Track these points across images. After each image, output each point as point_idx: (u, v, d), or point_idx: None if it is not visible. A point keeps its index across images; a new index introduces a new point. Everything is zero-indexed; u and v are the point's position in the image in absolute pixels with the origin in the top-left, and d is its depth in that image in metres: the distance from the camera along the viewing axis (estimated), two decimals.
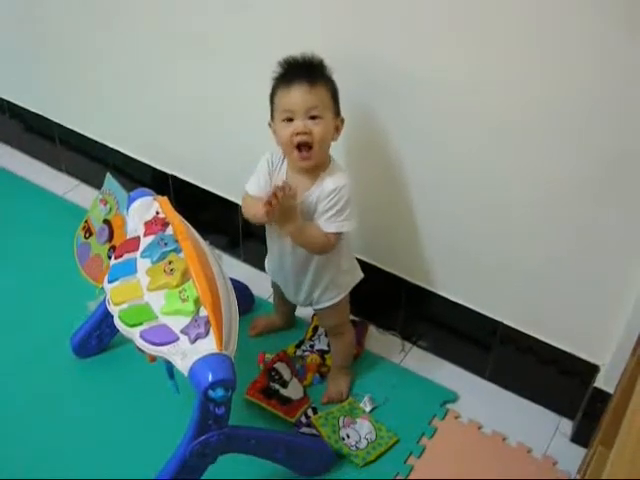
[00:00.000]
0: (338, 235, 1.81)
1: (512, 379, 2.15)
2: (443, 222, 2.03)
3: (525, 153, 1.78)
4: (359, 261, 2.13)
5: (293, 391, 2.12)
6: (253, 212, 1.84)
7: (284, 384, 2.13)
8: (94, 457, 1.97)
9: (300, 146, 1.74)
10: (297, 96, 1.70)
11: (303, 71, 1.72)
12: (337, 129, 1.80)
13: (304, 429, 2.03)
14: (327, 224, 1.79)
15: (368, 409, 2.09)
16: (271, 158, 1.87)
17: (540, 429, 2.07)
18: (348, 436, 2.01)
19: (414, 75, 1.84)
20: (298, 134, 1.72)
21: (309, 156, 1.75)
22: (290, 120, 1.73)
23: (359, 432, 2.03)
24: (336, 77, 1.78)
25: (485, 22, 1.67)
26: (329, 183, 1.78)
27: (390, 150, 1.99)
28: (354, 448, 1.99)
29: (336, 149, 1.86)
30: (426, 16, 1.74)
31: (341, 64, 1.79)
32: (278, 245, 1.94)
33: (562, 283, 1.91)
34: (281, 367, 2.17)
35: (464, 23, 1.71)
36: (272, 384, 2.12)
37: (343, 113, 1.81)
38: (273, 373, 2.15)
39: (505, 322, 2.06)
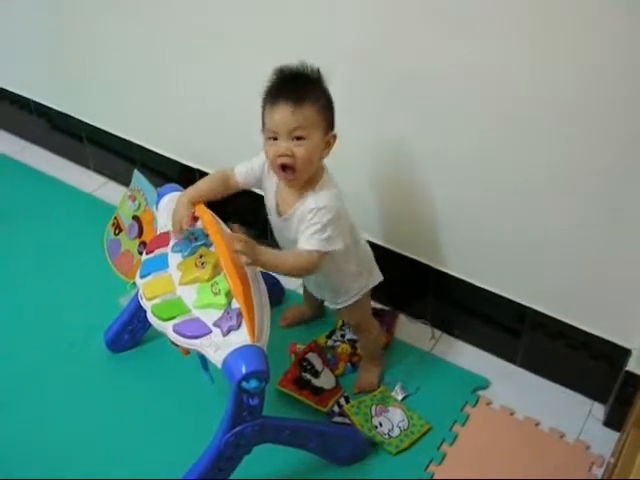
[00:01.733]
0: (321, 254, 1.72)
1: (543, 364, 2.15)
2: (468, 207, 2.03)
3: (543, 133, 1.78)
4: (385, 249, 2.15)
5: (325, 381, 2.13)
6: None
7: (316, 374, 2.14)
8: (129, 449, 1.99)
9: (283, 167, 1.69)
10: (280, 117, 1.64)
11: (291, 87, 1.66)
12: (328, 144, 1.73)
13: (337, 418, 2.04)
14: (307, 241, 1.71)
15: (400, 397, 2.10)
16: (265, 166, 1.84)
17: (572, 414, 2.07)
18: (381, 424, 2.02)
19: (429, 68, 1.86)
20: (280, 156, 1.68)
21: (293, 177, 1.71)
22: (275, 139, 1.68)
23: (391, 420, 2.03)
24: (355, 75, 1.78)
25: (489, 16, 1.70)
26: (311, 202, 1.72)
27: (411, 140, 2.00)
28: (387, 436, 2.00)
29: (359, 141, 1.86)
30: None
31: (361, 63, 1.80)
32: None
33: (591, 266, 1.91)
34: (312, 357, 2.18)
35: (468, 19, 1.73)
36: (304, 374, 2.13)
37: (363, 109, 1.80)
38: (305, 363, 2.16)
39: (534, 307, 2.06)
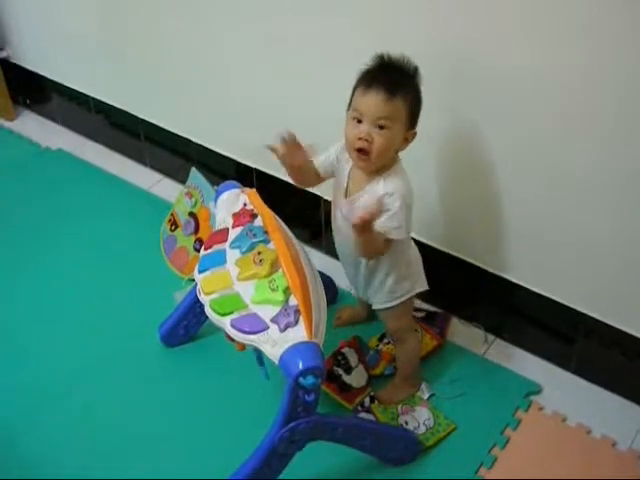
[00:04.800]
0: (388, 241, 1.77)
1: (597, 372, 2.13)
2: (524, 211, 2.02)
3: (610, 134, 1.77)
4: (440, 251, 2.17)
5: (356, 379, 2.13)
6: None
7: (348, 370, 2.14)
8: (183, 443, 2.01)
9: (359, 150, 1.72)
10: (370, 102, 1.68)
11: (388, 77, 1.69)
12: (406, 140, 1.76)
13: (362, 414, 2.04)
14: (379, 226, 1.73)
15: (426, 396, 2.10)
16: (341, 150, 1.86)
17: (625, 422, 2.04)
18: (407, 423, 2.03)
19: (495, 67, 1.86)
20: (360, 139, 1.70)
21: (366, 160, 1.73)
22: (359, 121, 1.71)
23: (417, 419, 2.04)
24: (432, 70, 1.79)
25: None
26: (380, 187, 1.75)
27: (473, 142, 2.01)
28: None
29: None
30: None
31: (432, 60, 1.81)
32: (338, 239, 1.96)
33: None
34: (349, 352, 2.18)
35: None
36: (336, 368, 2.13)
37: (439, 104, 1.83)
38: (339, 357, 2.16)
39: (589, 314, 2.04)
